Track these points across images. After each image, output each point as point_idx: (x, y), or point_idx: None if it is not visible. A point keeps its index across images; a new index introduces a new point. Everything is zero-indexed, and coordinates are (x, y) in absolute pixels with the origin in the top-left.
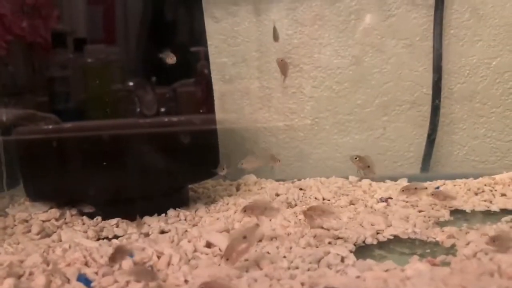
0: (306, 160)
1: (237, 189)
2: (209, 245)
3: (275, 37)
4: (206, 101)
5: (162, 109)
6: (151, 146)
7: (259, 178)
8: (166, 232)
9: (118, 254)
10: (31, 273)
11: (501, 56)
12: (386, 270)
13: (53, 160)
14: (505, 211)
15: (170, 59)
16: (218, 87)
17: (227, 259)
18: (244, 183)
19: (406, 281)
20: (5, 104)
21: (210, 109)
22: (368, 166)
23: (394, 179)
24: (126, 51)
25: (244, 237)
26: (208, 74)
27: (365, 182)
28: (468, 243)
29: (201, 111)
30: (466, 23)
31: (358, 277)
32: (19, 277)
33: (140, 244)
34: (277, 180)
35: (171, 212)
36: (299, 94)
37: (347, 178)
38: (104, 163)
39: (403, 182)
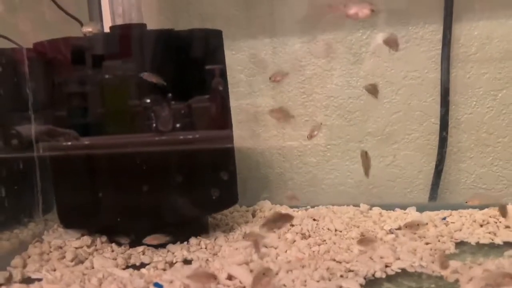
0: (319, 185)
1: (253, 216)
2: (230, 277)
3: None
4: (224, 127)
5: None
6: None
7: (274, 204)
8: (189, 260)
9: None
10: None
11: (507, 88)
12: None
13: (83, 189)
14: (508, 244)
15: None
16: (234, 115)
17: None
18: (259, 209)
19: None
20: (25, 120)
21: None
22: None
23: (403, 207)
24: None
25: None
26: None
27: (376, 211)
28: (471, 279)
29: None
30: (473, 56)
31: None
32: None
33: (168, 277)
34: (291, 207)
35: (192, 240)
36: (312, 122)
37: (358, 206)
38: (134, 191)
39: (412, 211)
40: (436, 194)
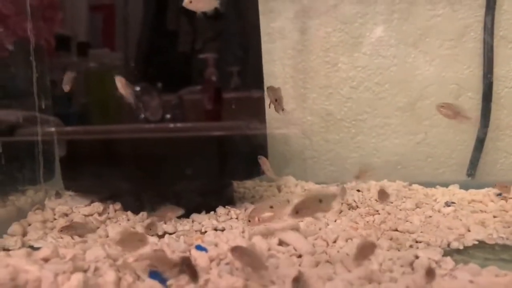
0: (342, 165)
1: (279, 190)
2: (281, 243)
3: None
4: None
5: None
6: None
7: (297, 180)
8: (221, 229)
9: None
10: (96, 268)
11: None
12: (496, 276)
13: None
14: None
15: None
16: None
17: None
18: (284, 184)
19: None
20: (7, 106)
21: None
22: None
23: (442, 185)
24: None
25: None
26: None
27: (416, 187)
28: None
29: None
30: None
31: (471, 281)
32: (84, 272)
33: (212, 239)
34: (317, 183)
35: (220, 209)
36: (336, 95)
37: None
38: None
39: (455, 189)
40: (474, 170)
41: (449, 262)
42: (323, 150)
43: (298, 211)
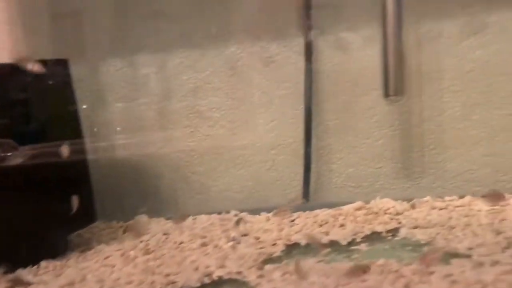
0: (207, 193)
1: (124, 232)
2: None
3: None
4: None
5: None
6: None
7: (153, 217)
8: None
9: None
10: None
11: (366, 95)
12: None
13: None
14: (331, 244)
15: None
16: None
17: None
18: (134, 224)
19: None
20: None
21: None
22: None
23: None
24: None
25: None
26: None
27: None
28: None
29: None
30: (337, 67)
31: None
32: None
33: None
34: (167, 219)
35: (43, 263)
36: (197, 133)
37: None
38: None
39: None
40: (308, 194)
41: None
42: (190, 181)
43: None
